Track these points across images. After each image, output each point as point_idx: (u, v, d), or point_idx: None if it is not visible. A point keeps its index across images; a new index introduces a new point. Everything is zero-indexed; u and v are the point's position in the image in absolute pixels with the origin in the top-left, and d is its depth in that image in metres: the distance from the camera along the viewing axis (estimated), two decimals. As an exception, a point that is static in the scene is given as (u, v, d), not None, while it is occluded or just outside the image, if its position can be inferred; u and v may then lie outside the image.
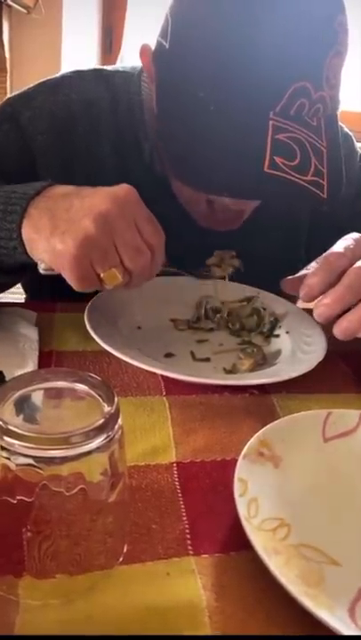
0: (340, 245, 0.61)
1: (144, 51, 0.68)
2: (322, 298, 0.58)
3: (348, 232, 0.65)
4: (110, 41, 2.13)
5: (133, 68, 0.81)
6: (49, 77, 0.78)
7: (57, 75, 0.79)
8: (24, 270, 0.63)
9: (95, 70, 0.81)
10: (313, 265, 0.62)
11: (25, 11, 1.70)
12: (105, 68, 0.82)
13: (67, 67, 1.80)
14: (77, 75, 0.79)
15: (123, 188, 0.55)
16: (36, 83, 0.77)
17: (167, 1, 0.63)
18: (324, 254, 0.61)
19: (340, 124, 0.91)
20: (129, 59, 2.13)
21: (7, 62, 1.74)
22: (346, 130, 0.92)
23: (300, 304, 0.74)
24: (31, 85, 0.77)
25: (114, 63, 2.11)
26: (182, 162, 0.62)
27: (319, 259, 0.60)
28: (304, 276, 0.61)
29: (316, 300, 0.59)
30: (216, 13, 0.57)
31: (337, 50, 0.58)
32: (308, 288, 0.59)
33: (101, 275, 0.54)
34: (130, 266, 0.55)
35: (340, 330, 0.57)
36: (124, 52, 2.12)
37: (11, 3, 1.61)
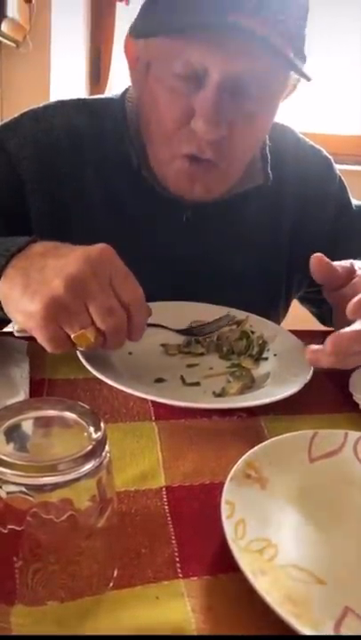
0: None
1: (126, 40, 0.72)
2: (329, 349, 0.57)
3: (329, 248, 0.69)
4: (98, 71, 2.18)
5: (116, 95, 0.85)
6: (33, 107, 0.82)
7: (41, 104, 0.83)
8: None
9: (78, 99, 0.85)
10: (341, 266, 0.66)
11: (14, 45, 1.74)
12: (87, 97, 0.86)
13: (56, 96, 1.84)
14: (60, 104, 0.83)
15: (97, 248, 0.56)
16: (21, 112, 0.81)
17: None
18: None
19: (318, 147, 0.95)
20: (117, 89, 2.17)
21: (-2, 95, 1.78)
22: (325, 153, 0.95)
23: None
24: (16, 115, 0.81)
25: (102, 93, 2.16)
26: (162, 21, 0.65)
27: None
28: (332, 265, 0.65)
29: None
30: None
31: None
32: (336, 340, 0.57)
33: (72, 337, 0.54)
34: (102, 327, 0.54)
35: (307, 358, 0.60)
36: (112, 83, 2.16)
37: (0, 38, 1.65)
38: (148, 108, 0.73)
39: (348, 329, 0.57)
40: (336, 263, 0.67)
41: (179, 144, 0.71)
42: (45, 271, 0.54)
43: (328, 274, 0.66)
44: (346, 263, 0.68)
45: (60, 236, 0.60)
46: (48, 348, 0.55)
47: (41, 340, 0.54)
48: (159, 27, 0.66)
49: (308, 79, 0.66)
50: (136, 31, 0.70)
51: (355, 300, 0.58)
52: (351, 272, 0.67)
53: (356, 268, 0.68)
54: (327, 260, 0.66)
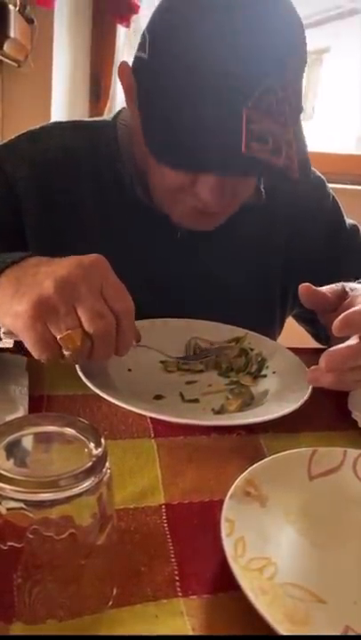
0: None
1: (122, 68, 0.73)
2: (324, 366, 0.58)
3: (322, 268, 0.69)
4: (98, 92, 2.21)
5: (110, 117, 0.87)
6: (29, 129, 0.84)
7: (37, 126, 0.85)
8: None
9: (73, 121, 0.87)
10: (331, 289, 0.66)
11: (15, 64, 1.77)
12: (82, 119, 0.89)
13: (56, 116, 1.86)
14: (56, 125, 0.86)
15: (90, 256, 0.57)
16: (18, 134, 0.83)
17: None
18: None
19: (312, 168, 0.97)
20: (118, 106, 2.20)
21: (-2, 113, 1.80)
22: (318, 173, 0.96)
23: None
24: (13, 137, 0.83)
25: (102, 111, 2.18)
26: (169, 148, 0.66)
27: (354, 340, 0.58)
28: (319, 293, 0.65)
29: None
30: (189, 24, 0.63)
31: (296, 56, 0.65)
32: (330, 357, 0.57)
33: (58, 338, 0.53)
34: (90, 329, 0.54)
35: (308, 378, 0.61)
36: (112, 103, 2.19)
37: (2, 58, 1.68)
38: (143, 149, 0.72)
39: (341, 345, 0.58)
40: (326, 287, 0.67)
41: (180, 194, 0.73)
42: (37, 276, 0.55)
43: (318, 300, 0.66)
44: (337, 286, 0.68)
45: (56, 255, 0.59)
46: (34, 352, 0.54)
47: (27, 341, 0.54)
48: (165, 155, 0.67)
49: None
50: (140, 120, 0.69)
51: (339, 318, 0.58)
52: (342, 294, 0.67)
53: (347, 289, 0.68)
54: (314, 288, 0.66)
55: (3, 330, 0.57)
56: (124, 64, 0.73)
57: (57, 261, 0.57)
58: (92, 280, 0.55)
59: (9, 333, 0.56)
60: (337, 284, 0.69)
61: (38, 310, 0.52)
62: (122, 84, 0.74)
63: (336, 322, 0.57)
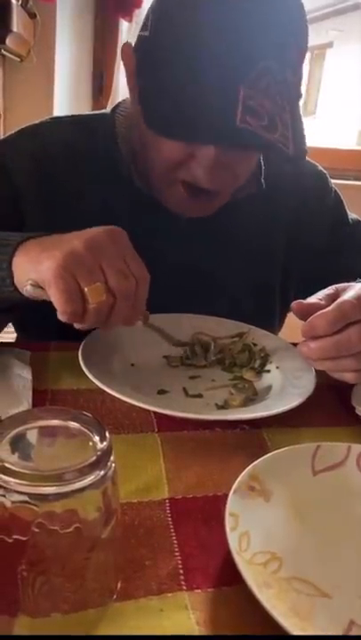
0: (356, 294, 0.62)
1: (125, 48, 0.73)
2: (310, 340, 0.61)
3: (323, 261, 0.69)
4: (101, 86, 2.20)
5: (108, 110, 0.87)
6: (29, 124, 0.85)
7: (36, 121, 0.85)
8: (10, 312, 0.67)
9: (72, 116, 0.88)
10: (324, 294, 0.65)
11: (18, 59, 1.76)
12: (81, 114, 0.89)
13: (59, 111, 1.85)
14: (55, 120, 0.86)
15: (117, 228, 0.60)
16: (17, 129, 0.84)
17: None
18: (340, 299, 0.61)
19: (313, 162, 0.96)
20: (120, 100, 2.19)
21: (1, 107, 1.79)
22: (320, 168, 0.96)
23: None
24: (12, 132, 0.84)
25: (105, 106, 2.18)
26: (168, 119, 0.66)
27: (335, 303, 0.61)
28: (314, 305, 0.63)
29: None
30: (192, 1, 0.64)
31: (297, 39, 0.66)
32: (310, 327, 0.61)
33: (85, 289, 0.55)
34: (114, 286, 0.56)
35: (299, 351, 0.63)
36: (115, 97, 2.19)
37: (4, 52, 1.67)
38: (141, 128, 0.73)
39: (317, 313, 0.60)
40: (319, 294, 0.66)
41: (176, 171, 0.73)
42: (64, 238, 0.58)
43: (314, 311, 0.64)
44: (329, 290, 0.67)
45: None
46: (60, 301, 0.55)
47: (54, 292, 0.55)
48: (164, 126, 0.67)
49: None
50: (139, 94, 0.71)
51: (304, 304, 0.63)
52: (335, 296, 0.66)
53: (339, 291, 0.67)
54: (306, 302, 0.65)
55: (28, 287, 0.57)
56: (127, 44, 0.73)
57: (80, 231, 0.59)
58: (118, 245, 0.58)
59: (36, 286, 0.57)
60: (330, 287, 0.68)
61: (68, 262, 0.54)
62: (124, 64, 0.74)
63: (297, 309, 0.63)
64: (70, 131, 0.84)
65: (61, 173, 0.82)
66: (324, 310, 0.60)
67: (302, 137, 0.68)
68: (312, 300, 0.65)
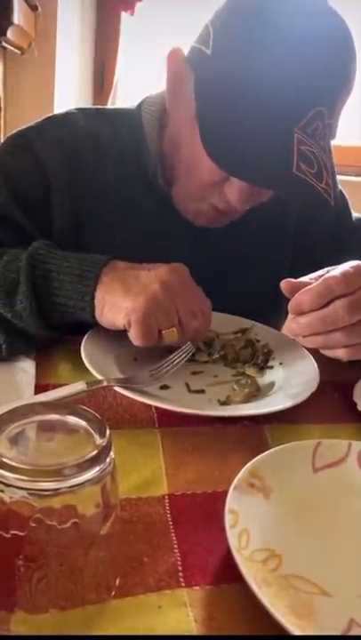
0: (342, 270, 0.62)
1: (174, 54, 0.73)
2: (299, 316, 0.62)
3: (327, 259, 0.70)
4: (103, 78, 2.19)
5: (132, 106, 0.87)
6: (55, 113, 0.86)
7: (63, 111, 0.87)
8: (64, 330, 0.71)
9: (97, 108, 0.89)
10: (316, 274, 0.65)
11: (19, 52, 1.75)
12: (105, 107, 0.90)
13: (60, 104, 1.85)
14: (81, 111, 0.86)
15: (180, 265, 0.66)
16: (44, 117, 0.84)
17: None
18: (326, 275, 0.62)
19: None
20: (121, 94, 2.19)
21: (1, 100, 1.78)
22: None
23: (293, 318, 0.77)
24: (39, 120, 0.84)
25: (106, 99, 2.17)
26: (225, 149, 0.66)
27: (321, 278, 0.62)
28: (302, 282, 0.64)
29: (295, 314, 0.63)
30: (256, 39, 0.64)
31: (348, 88, 0.68)
32: (296, 303, 0.62)
33: (163, 332, 0.63)
34: (185, 325, 0.64)
35: (289, 328, 0.65)
36: (116, 90, 2.18)
37: (5, 45, 1.66)
38: (182, 140, 0.74)
39: (302, 289, 0.62)
40: (310, 275, 0.66)
41: (209, 195, 0.75)
42: (141, 278, 0.64)
43: (301, 289, 0.65)
44: (321, 271, 0.67)
45: (78, 235, 0.69)
46: (140, 340, 0.62)
47: (137, 331, 0.62)
48: (217, 151, 0.66)
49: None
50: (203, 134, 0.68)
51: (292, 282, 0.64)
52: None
53: (330, 271, 0.66)
54: (295, 280, 0.65)
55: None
56: (176, 50, 0.73)
57: (151, 267, 0.66)
58: (186, 283, 0.66)
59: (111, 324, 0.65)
60: (323, 269, 0.67)
61: (151, 308, 0.61)
62: (169, 69, 0.73)
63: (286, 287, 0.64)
64: (97, 121, 0.84)
65: (88, 162, 0.82)
66: (309, 286, 0.61)
67: (336, 183, 0.70)
68: (302, 278, 0.65)
